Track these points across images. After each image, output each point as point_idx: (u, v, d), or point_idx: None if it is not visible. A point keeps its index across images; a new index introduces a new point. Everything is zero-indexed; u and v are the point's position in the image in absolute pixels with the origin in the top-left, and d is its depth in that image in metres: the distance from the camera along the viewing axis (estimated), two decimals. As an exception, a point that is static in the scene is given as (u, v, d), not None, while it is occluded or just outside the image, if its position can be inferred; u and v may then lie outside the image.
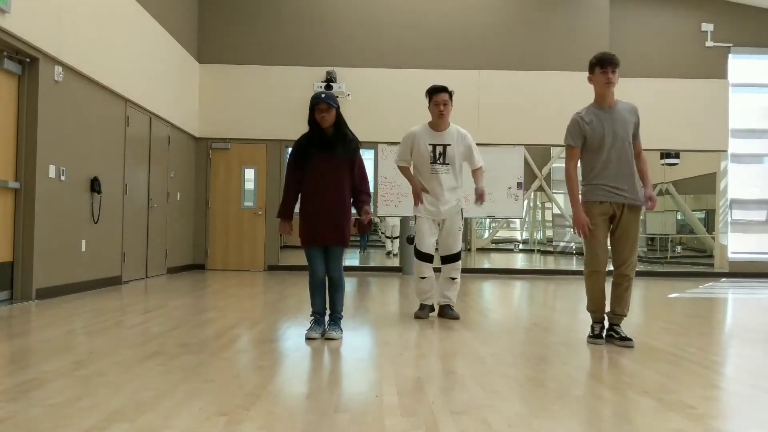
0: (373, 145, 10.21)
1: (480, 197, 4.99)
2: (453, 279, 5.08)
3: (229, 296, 6.47)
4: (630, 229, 3.95)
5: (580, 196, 4.02)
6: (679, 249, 12.94)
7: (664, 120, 10.94)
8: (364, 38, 10.65)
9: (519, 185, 10.59)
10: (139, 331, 4.22)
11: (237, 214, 10.46)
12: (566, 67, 10.67)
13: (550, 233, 13.46)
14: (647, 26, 11.13)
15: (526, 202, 11.50)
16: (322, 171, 4.04)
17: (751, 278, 10.65)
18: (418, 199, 5.02)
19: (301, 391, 2.72)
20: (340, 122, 4.09)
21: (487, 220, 12.12)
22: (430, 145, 4.97)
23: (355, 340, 4.13)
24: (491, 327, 4.75)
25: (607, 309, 4.07)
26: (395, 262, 11.71)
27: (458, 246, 5.07)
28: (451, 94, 5.01)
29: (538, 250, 13.17)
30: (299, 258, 12.79)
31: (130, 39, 7.78)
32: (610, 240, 4.02)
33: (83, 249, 6.69)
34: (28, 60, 5.76)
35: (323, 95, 4.04)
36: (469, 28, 10.68)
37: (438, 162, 4.98)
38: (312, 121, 4.07)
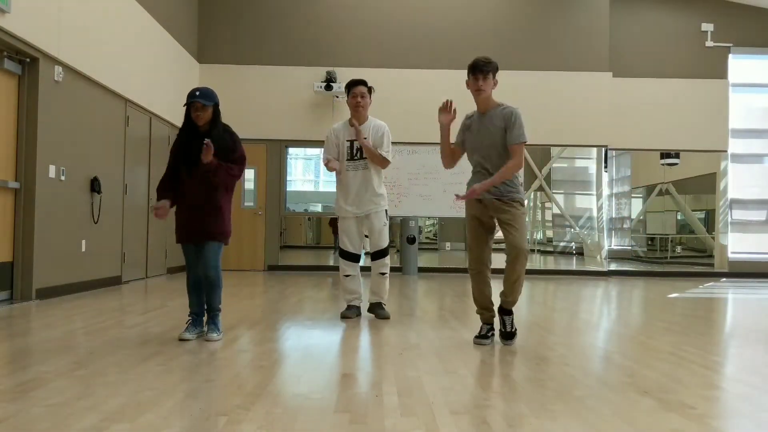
0: (373, 145, 10.21)
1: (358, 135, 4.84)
2: (382, 274, 5.05)
3: (229, 296, 6.46)
4: (508, 225, 3.86)
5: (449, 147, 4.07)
6: (679, 249, 12.93)
7: (664, 120, 10.95)
8: (364, 38, 10.65)
9: (519, 185, 10.58)
10: (139, 331, 4.21)
11: (237, 214, 10.44)
12: (566, 67, 10.68)
13: (550, 233, 13.46)
14: (647, 26, 11.13)
15: (525, 202, 11.51)
16: (194, 169, 3.86)
17: (751, 278, 10.66)
18: (331, 165, 4.93)
19: (301, 391, 2.72)
20: (216, 121, 3.91)
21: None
22: (347, 141, 4.94)
23: (355, 340, 4.13)
24: (491, 327, 4.74)
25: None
26: (395, 262, 11.70)
27: (384, 242, 5.03)
28: (370, 89, 5.00)
29: (538, 250, 13.17)
30: (299, 258, 12.77)
31: (130, 39, 7.78)
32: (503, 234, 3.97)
33: (83, 249, 6.69)
34: (28, 60, 5.76)
35: (198, 92, 3.82)
36: (469, 28, 10.68)
37: (356, 158, 4.93)
38: (187, 118, 3.90)
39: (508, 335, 3.95)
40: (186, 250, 4.02)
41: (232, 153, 3.92)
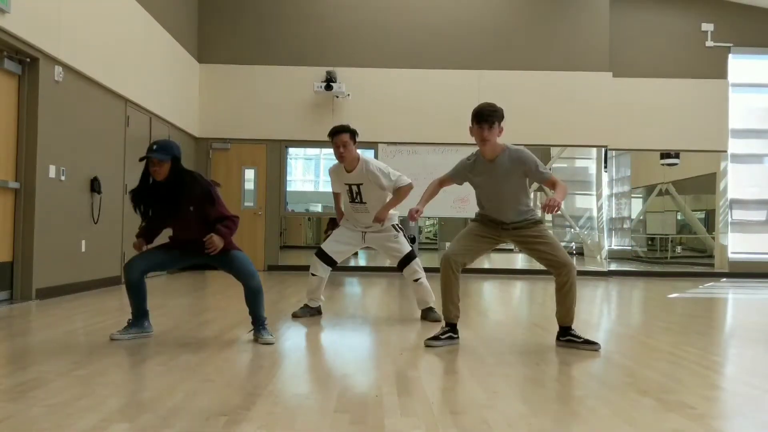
0: (372, 145, 10.19)
1: (378, 219, 4.80)
2: (417, 281, 4.90)
3: (229, 296, 6.46)
4: (537, 242, 3.82)
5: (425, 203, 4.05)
6: (679, 249, 12.94)
7: (664, 120, 10.95)
8: (364, 38, 10.65)
9: (519, 185, 10.57)
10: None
11: (237, 215, 10.43)
12: (566, 67, 10.67)
13: (550, 233, 13.49)
14: (647, 26, 11.13)
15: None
16: (174, 221, 3.87)
17: (751, 278, 10.65)
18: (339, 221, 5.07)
19: (301, 391, 2.72)
20: (177, 172, 3.77)
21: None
22: (346, 185, 4.85)
23: (355, 340, 4.13)
24: (491, 327, 4.75)
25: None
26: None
27: (405, 248, 4.91)
28: (353, 134, 4.78)
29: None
30: (299, 258, 12.74)
31: (130, 39, 7.78)
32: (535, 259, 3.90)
33: (83, 249, 6.69)
34: (28, 60, 5.76)
35: (155, 146, 3.69)
36: (469, 28, 10.68)
37: (356, 201, 4.86)
38: (145, 172, 3.82)
39: (589, 342, 3.77)
40: (158, 250, 3.92)
41: (211, 205, 3.79)
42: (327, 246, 4.95)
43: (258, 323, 3.90)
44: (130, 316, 3.93)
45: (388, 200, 4.86)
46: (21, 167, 5.76)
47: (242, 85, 10.54)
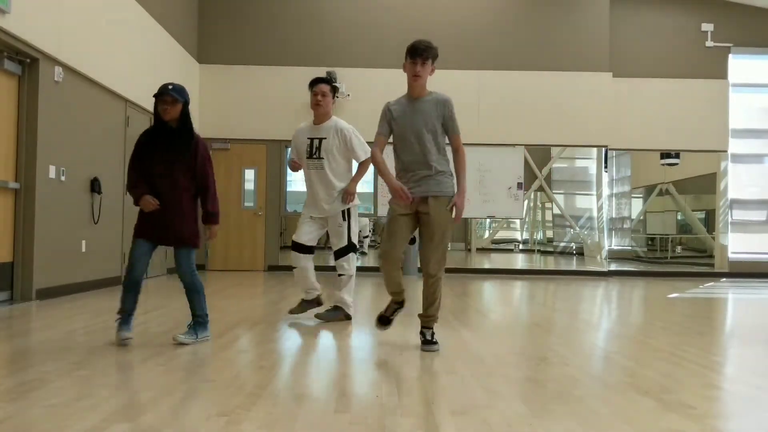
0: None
1: (346, 197, 4.74)
2: (340, 276, 4.87)
3: (229, 296, 6.46)
4: (431, 223, 3.61)
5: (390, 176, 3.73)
6: (679, 249, 12.93)
7: (664, 120, 10.95)
8: (364, 38, 10.64)
9: (519, 185, 10.59)
10: (139, 331, 4.21)
11: (237, 215, 10.45)
12: (566, 67, 10.67)
13: (550, 233, 13.46)
14: (647, 26, 11.13)
15: (526, 202, 11.52)
16: (160, 169, 3.83)
17: (751, 278, 10.65)
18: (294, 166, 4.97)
19: (301, 391, 2.72)
20: (184, 118, 3.82)
21: (487, 220, 12.15)
22: (308, 138, 4.87)
23: (356, 340, 4.13)
24: (491, 327, 4.74)
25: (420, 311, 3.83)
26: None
27: (342, 241, 4.82)
28: (334, 88, 4.90)
29: (538, 250, 13.17)
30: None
31: (130, 39, 7.78)
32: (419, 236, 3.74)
33: (83, 249, 6.68)
34: (28, 60, 5.76)
35: (170, 86, 3.75)
36: (469, 28, 10.68)
37: (314, 156, 4.82)
38: (155, 112, 3.82)
39: (433, 342, 3.73)
40: (140, 246, 3.89)
41: (195, 164, 3.84)
42: (298, 236, 4.89)
43: (194, 319, 3.87)
44: (119, 315, 3.80)
45: (354, 174, 4.86)
46: (21, 167, 5.76)
47: (242, 85, 10.53)
